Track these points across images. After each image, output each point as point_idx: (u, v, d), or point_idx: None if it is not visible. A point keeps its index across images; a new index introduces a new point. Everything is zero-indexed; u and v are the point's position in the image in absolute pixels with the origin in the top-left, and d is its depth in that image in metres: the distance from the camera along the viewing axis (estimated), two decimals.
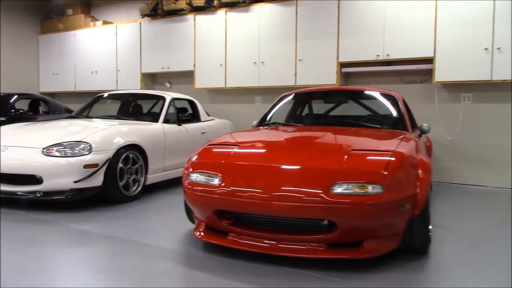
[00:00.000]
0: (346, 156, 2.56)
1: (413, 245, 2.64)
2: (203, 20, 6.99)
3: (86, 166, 3.76)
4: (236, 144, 2.97)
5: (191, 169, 2.80)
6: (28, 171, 3.75)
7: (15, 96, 6.46)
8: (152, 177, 4.56)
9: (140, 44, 7.69)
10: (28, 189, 3.76)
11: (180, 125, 5.15)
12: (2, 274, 2.34)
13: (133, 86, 7.76)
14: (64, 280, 2.28)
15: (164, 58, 7.42)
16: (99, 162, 3.85)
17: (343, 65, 5.88)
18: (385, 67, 5.67)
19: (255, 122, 4.18)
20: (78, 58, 8.53)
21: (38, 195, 3.74)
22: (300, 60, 6.12)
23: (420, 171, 2.60)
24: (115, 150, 3.98)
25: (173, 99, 5.30)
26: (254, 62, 6.50)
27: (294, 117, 4.42)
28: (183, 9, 7.10)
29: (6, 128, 4.50)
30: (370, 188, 2.33)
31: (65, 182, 3.72)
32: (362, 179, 2.38)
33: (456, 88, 5.44)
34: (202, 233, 2.78)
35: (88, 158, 3.79)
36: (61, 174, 3.70)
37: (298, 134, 3.34)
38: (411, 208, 2.48)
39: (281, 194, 2.42)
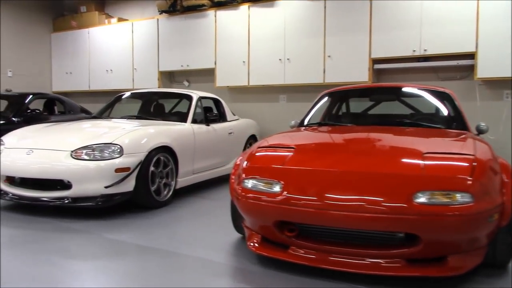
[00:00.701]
0: (423, 161, 2.29)
1: (495, 259, 2.37)
2: (224, 15, 6.72)
3: (117, 170, 3.49)
4: (290, 147, 2.69)
5: (243, 175, 2.52)
6: (55, 175, 3.49)
7: (30, 96, 6.19)
8: (182, 181, 4.30)
9: (158, 41, 7.42)
10: (55, 194, 3.50)
11: (208, 125, 4.88)
12: None
13: (150, 84, 7.49)
14: None
15: (183, 55, 7.15)
16: (130, 165, 3.58)
17: (375, 61, 5.60)
18: (422, 63, 5.39)
19: (293, 122, 3.91)
20: (92, 56, 8.27)
21: (66, 201, 3.48)
22: (329, 56, 5.84)
23: (504, 176, 2.33)
24: (147, 153, 3.72)
25: (200, 98, 5.03)
26: (280, 59, 6.23)
27: (340, 117, 4.12)
28: (203, 5, 6.83)
29: (26, 131, 4.23)
30: (458, 197, 2.06)
31: (96, 187, 3.45)
32: (447, 187, 2.10)
33: (498, 84, 5.15)
34: (256, 245, 2.52)
35: (119, 162, 3.52)
36: (91, 178, 3.44)
37: (354, 135, 3.05)
38: (499, 219, 2.21)
39: (355, 204, 2.14)
